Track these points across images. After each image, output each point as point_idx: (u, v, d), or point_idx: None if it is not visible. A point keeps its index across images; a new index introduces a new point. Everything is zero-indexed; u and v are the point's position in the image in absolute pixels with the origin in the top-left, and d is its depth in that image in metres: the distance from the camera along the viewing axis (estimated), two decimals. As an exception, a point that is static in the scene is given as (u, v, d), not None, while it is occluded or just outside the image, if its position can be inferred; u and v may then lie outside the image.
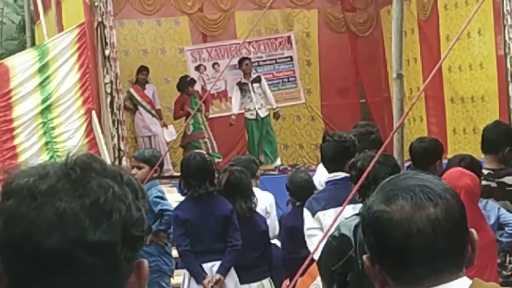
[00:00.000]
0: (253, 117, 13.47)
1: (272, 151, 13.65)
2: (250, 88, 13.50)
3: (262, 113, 13.53)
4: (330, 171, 5.84)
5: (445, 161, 6.46)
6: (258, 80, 13.65)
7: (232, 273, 6.49)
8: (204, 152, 12.71)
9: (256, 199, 6.71)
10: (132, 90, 14.01)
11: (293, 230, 6.17)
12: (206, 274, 6.42)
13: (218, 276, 6.37)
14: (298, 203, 6.92)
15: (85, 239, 1.21)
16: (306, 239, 5.80)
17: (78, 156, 1.28)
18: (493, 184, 5.79)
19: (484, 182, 5.56)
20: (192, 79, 14.01)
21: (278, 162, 13.76)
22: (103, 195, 1.24)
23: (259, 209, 6.93)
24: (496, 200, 5.66)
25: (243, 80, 13.60)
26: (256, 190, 6.97)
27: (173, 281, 7.71)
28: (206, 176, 6.49)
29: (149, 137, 13.95)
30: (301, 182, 7.34)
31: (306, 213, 5.72)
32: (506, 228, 5.46)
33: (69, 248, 1.20)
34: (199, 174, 6.46)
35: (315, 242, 5.74)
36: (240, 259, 6.46)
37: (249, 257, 6.53)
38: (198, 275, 6.42)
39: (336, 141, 5.82)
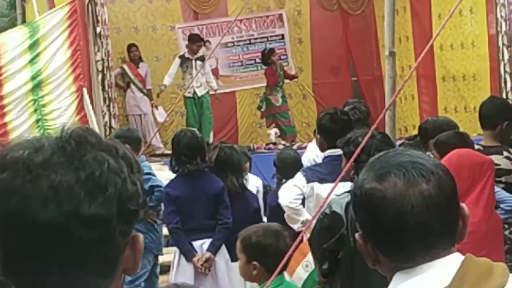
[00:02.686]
0: (190, 95, 13.17)
1: (206, 130, 13.21)
2: (193, 65, 13.23)
3: (200, 92, 13.24)
4: (328, 147, 5.82)
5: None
6: (202, 59, 13.32)
7: (223, 251, 6.49)
8: (291, 123, 13.55)
9: (247, 176, 6.73)
10: (125, 67, 13.97)
11: (278, 209, 6.19)
12: (196, 252, 6.42)
13: (208, 254, 6.37)
14: (284, 181, 6.94)
15: (81, 212, 1.21)
16: (290, 213, 5.81)
17: (73, 129, 1.28)
18: None
19: None
20: (271, 48, 14.09)
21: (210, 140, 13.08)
22: (98, 168, 1.23)
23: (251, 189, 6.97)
24: None
25: (187, 55, 13.34)
26: None
27: (164, 258, 7.74)
28: (196, 152, 6.48)
29: (140, 115, 13.94)
30: (289, 159, 7.37)
31: (300, 179, 5.72)
32: (502, 205, 5.49)
33: (64, 221, 1.20)
34: (190, 151, 6.45)
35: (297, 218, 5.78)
36: (232, 236, 6.46)
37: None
38: (188, 252, 6.42)
39: (339, 117, 5.83)
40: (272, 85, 13.57)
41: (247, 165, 7.84)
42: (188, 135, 6.55)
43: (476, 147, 5.77)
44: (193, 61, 13.26)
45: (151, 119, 13.89)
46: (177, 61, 13.39)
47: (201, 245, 6.42)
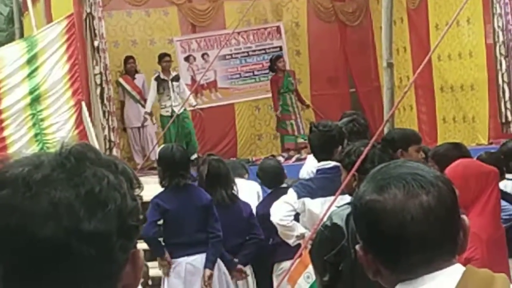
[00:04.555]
0: (168, 114, 13.08)
1: (191, 144, 13.04)
2: (170, 86, 13.22)
3: (178, 110, 13.09)
4: (319, 160, 5.86)
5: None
6: (177, 78, 13.36)
7: (218, 262, 6.55)
8: (289, 133, 13.37)
9: (237, 187, 6.81)
10: (121, 80, 13.97)
11: (265, 218, 6.25)
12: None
13: (208, 272, 6.40)
14: (269, 191, 7.07)
15: (81, 229, 1.20)
16: (282, 230, 5.80)
17: (73, 145, 1.28)
18: None
19: None
20: (278, 55, 14.17)
21: (194, 155, 12.82)
22: (98, 184, 1.23)
23: (251, 196, 7.06)
24: None
25: (162, 76, 13.30)
26: (241, 181, 7.10)
27: (154, 272, 7.72)
28: (188, 166, 6.59)
29: (138, 128, 13.92)
30: (270, 168, 7.45)
31: (291, 195, 5.72)
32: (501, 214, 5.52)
33: (64, 238, 1.20)
34: (184, 165, 6.52)
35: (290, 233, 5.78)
36: (223, 245, 6.54)
37: (232, 243, 6.60)
38: (161, 254, 6.49)
39: (321, 130, 5.83)
40: (275, 92, 13.63)
41: (246, 176, 7.90)
42: (180, 150, 6.65)
43: None
44: (169, 82, 13.25)
45: (149, 132, 13.88)
46: (153, 83, 13.30)
47: (192, 261, 6.45)
